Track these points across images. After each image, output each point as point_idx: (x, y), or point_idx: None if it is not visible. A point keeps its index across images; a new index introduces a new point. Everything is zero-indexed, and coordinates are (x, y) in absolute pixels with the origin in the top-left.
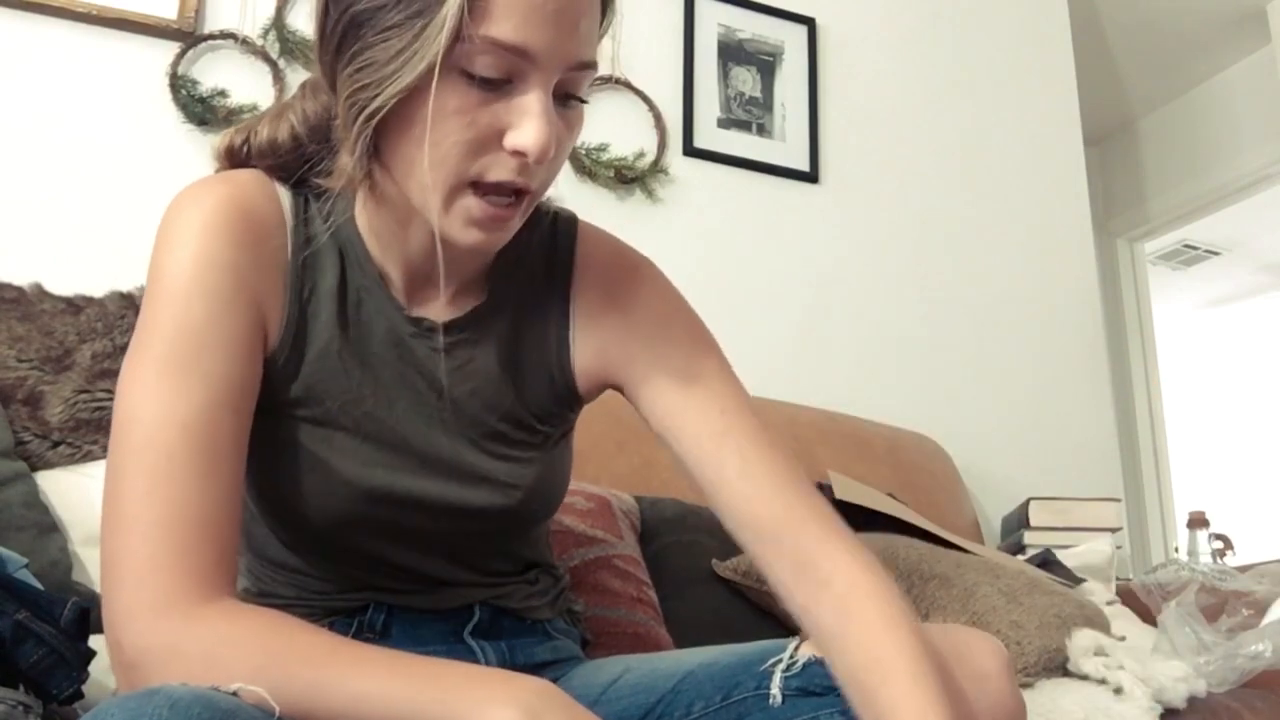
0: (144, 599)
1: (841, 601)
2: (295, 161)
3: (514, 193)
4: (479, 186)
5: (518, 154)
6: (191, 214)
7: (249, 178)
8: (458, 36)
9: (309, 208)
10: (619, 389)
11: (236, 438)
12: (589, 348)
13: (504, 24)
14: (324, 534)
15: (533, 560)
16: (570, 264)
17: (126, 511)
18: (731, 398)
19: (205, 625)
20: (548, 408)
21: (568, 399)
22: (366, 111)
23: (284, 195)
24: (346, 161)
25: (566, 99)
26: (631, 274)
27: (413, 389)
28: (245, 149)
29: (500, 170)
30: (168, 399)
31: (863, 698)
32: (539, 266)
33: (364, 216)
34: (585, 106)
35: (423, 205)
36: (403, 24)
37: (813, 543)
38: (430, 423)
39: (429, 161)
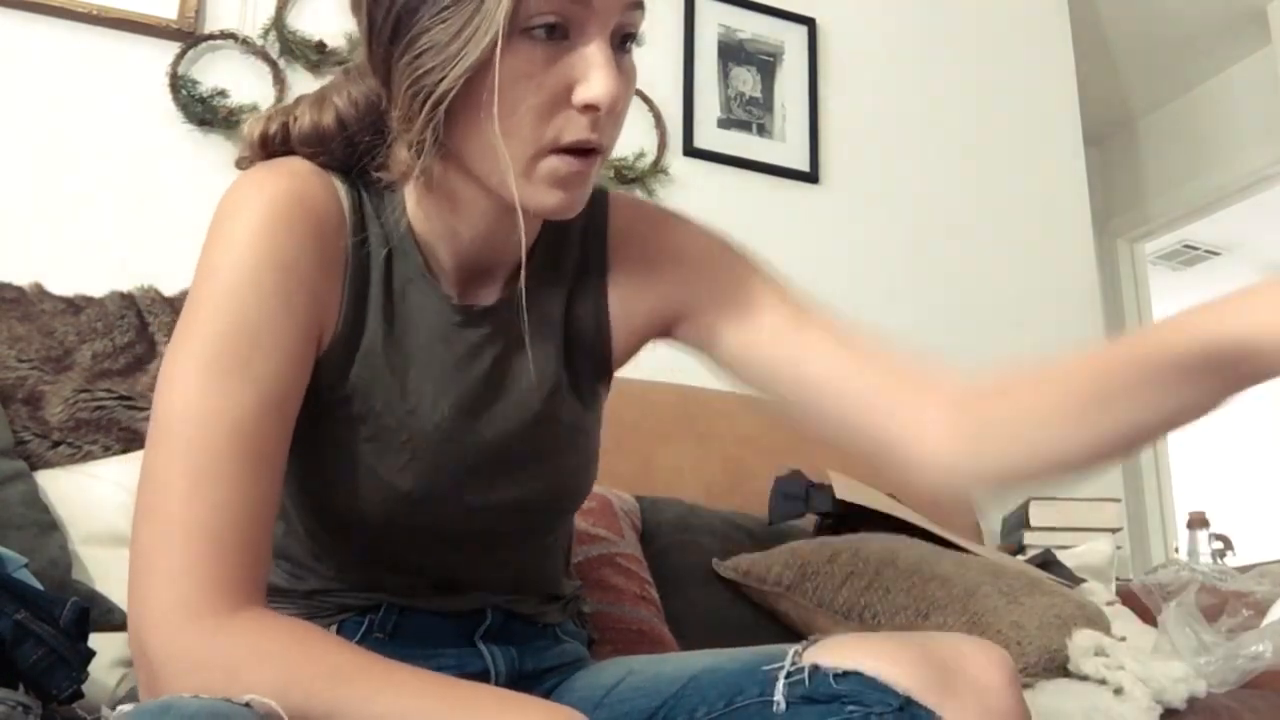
0: (175, 602)
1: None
2: (343, 150)
3: (587, 152)
4: (556, 149)
5: (589, 108)
6: (251, 208)
7: (306, 169)
8: None
9: (362, 199)
10: (677, 336)
11: (281, 441)
12: (629, 315)
13: None
14: (357, 533)
15: (550, 577)
16: (604, 234)
17: (165, 511)
18: (793, 295)
19: (231, 636)
20: (586, 384)
21: (601, 373)
22: (435, 97)
23: (340, 187)
24: (404, 154)
25: (623, 42)
26: (662, 225)
27: (457, 382)
28: (280, 137)
29: (575, 130)
30: (215, 400)
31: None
32: (576, 243)
33: (413, 205)
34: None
35: (499, 181)
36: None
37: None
38: (475, 416)
39: (502, 132)
